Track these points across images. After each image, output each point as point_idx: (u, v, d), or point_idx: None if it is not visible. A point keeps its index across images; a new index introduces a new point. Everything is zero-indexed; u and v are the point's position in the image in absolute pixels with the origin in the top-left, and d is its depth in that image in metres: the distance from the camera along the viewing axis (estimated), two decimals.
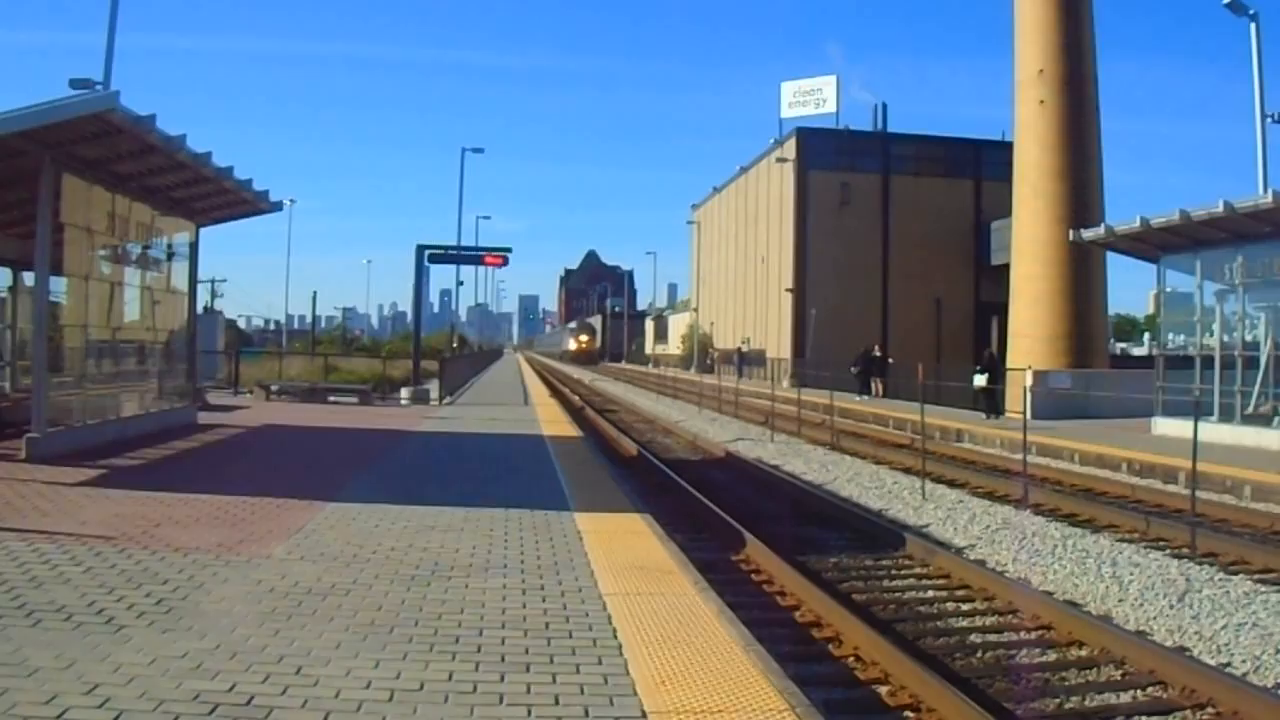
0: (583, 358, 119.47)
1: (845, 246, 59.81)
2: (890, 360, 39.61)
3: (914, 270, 59.92)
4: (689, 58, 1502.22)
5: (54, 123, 11.91)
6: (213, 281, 71.30)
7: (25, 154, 12.64)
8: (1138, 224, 23.30)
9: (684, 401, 40.78)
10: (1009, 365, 32.97)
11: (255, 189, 17.68)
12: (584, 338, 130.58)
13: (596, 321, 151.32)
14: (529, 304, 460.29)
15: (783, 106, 67.71)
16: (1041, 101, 38.36)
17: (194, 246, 19.16)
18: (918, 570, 10.91)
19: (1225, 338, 22.84)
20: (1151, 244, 24.50)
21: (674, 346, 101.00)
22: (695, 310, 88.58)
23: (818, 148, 62.32)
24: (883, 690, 7.01)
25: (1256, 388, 21.67)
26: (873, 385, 37.95)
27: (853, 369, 38.03)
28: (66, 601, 6.38)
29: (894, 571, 10.95)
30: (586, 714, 4.84)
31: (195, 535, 8.64)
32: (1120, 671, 7.48)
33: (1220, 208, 20.43)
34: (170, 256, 18.32)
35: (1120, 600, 9.54)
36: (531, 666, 5.51)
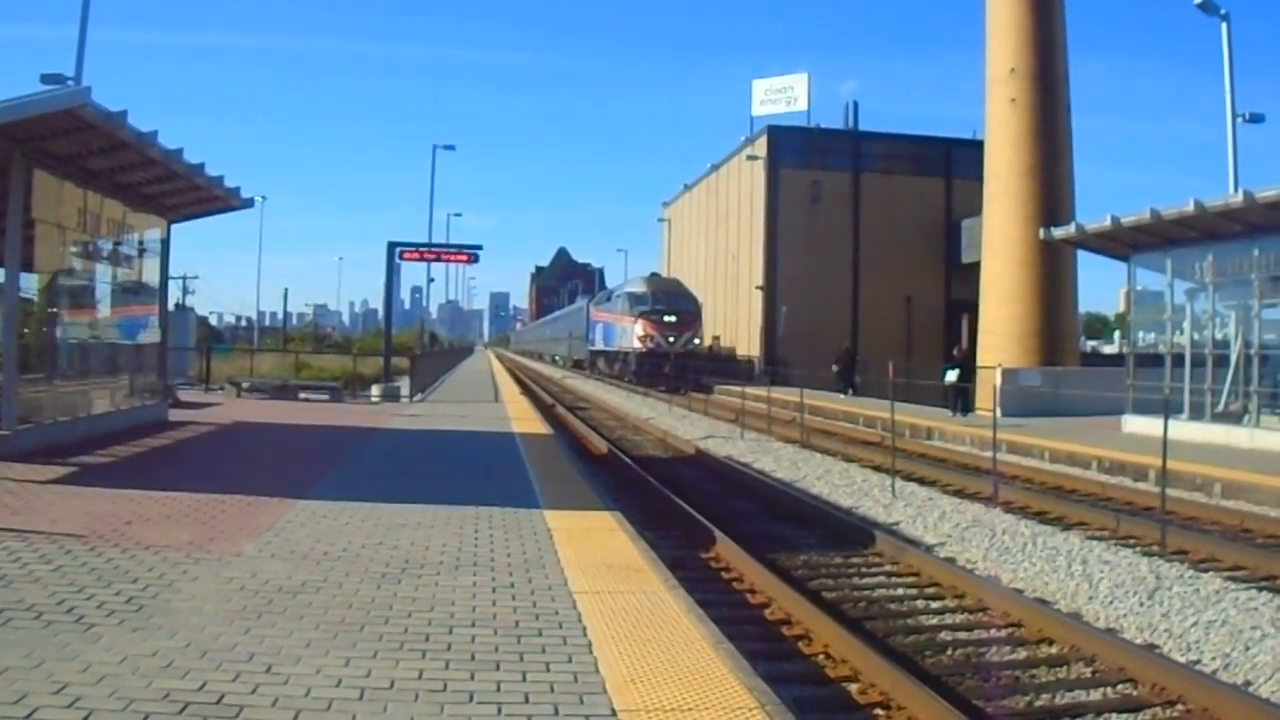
0: (663, 366, 47.59)
1: (816, 244, 59.80)
2: (858, 358, 39.71)
3: (884, 268, 60.00)
4: (659, 54, 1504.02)
5: (25, 118, 11.79)
6: (184, 278, 71.14)
7: None
8: (1108, 222, 23.46)
9: (654, 399, 40.76)
10: (979, 363, 33.15)
11: (226, 185, 17.58)
12: (671, 318, 50.15)
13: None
14: (500, 301, 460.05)
15: (754, 104, 67.64)
16: (1013, 100, 38.53)
17: (165, 243, 19.01)
18: (888, 568, 10.96)
19: (1195, 336, 23.03)
20: (1122, 242, 24.67)
21: None
22: None
23: (788, 145, 62.27)
24: (853, 688, 7.04)
25: (1226, 386, 21.86)
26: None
27: (835, 368, 38.10)
28: (36, 600, 6.34)
29: (864, 569, 10.99)
30: (556, 712, 4.86)
31: (166, 533, 8.60)
32: (1090, 669, 7.54)
33: (1191, 207, 20.60)
34: (141, 253, 18.22)
35: (1090, 598, 9.61)
36: (501, 665, 5.52)
